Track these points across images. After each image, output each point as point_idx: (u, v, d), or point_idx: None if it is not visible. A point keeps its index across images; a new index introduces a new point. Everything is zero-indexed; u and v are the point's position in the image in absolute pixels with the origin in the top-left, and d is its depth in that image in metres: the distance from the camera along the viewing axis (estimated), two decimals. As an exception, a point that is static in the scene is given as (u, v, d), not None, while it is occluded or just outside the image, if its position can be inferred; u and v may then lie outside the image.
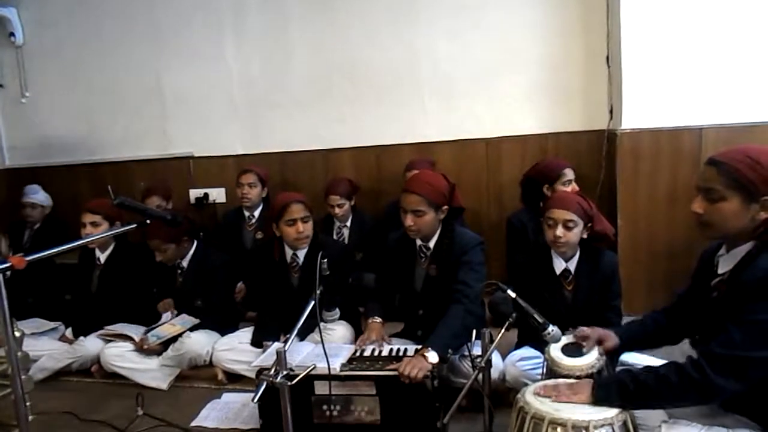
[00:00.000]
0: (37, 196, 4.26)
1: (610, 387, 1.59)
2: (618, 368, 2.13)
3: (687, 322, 1.81)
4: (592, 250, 2.46)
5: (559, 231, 2.34)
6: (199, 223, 3.46)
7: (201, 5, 4.34)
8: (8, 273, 1.55)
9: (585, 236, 2.40)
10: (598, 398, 1.59)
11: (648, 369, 1.60)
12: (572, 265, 2.46)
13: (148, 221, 2.10)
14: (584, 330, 1.92)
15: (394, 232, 2.80)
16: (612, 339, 1.88)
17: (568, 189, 3.27)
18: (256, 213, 4.03)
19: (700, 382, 1.46)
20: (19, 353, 1.77)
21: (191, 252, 3.21)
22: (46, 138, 4.77)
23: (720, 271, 1.61)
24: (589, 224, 2.40)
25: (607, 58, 3.67)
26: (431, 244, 2.57)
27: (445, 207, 2.50)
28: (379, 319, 2.60)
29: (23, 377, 1.74)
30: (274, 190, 3.97)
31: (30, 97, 4.77)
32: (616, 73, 3.52)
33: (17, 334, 1.81)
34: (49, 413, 2.65)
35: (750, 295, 1.46)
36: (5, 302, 1.65)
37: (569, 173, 3.33)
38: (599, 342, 1.88)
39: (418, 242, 2.59)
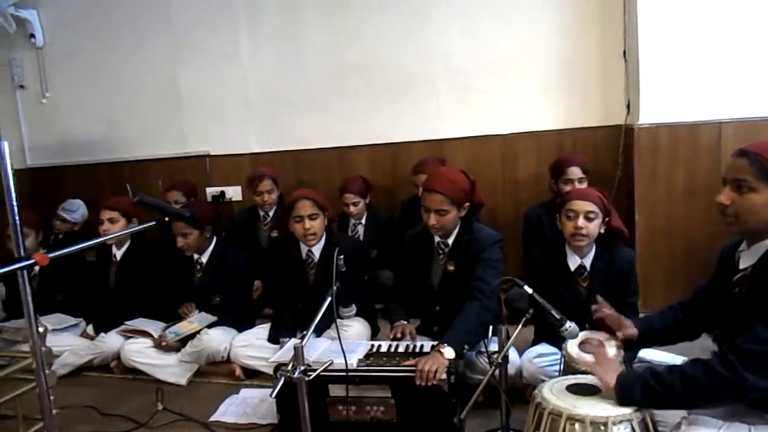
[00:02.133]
0: (73, 214, 4.18)
1: (634, 387, 1.55)
2: (636, 364, 2.12)
3: (706, 317, 1.78)
4: (607, 247, 2.44)
5: (581, 222, 2.33)
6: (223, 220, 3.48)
7: (216, 6, 4.37)
8: (34, 269, 1.57)
9: (602, 231, 2.39)
10: (621, 398, 1.56)
11: (672, 369, 1.54)
12: (587, 262, 2.45)
13: (166, 218, 2.13)
14: (604, 305, 1.89)
15: (411, 230, 2.81)
16: (630, 327, 1.85)
17: (567, 188, 3.25)
18: (271, 212, 4.05)
19: (731, 379, 1.42)
20: (43, 349, 1.80)
21: (211, 248, 3.24)
22: (65, 138, 4.84)
23: (741, 266, 1.59)
24: (607, 218, 2.39)
25: (624, 52, 3.63)
26: (450, 240, 2.56)
27: (467, 204, 2.50)
28: (404, 321, 2.60)
29: (47, 372, 1.78)
30: (289, 188, 3.99)
31: (50, 98, 4.85)
32: (634, 68, 3.48)
33: (41, 329, 1.84)
34: (72, 407, 2.70)
35: None
36: (30, 299, 1.68)
37: (573, 172, 3.30)
38: (618, 326, 1.85)
39: (437, 239, 2.59)
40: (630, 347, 1.92)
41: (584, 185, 3.22)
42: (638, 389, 1.54)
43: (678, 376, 1.50)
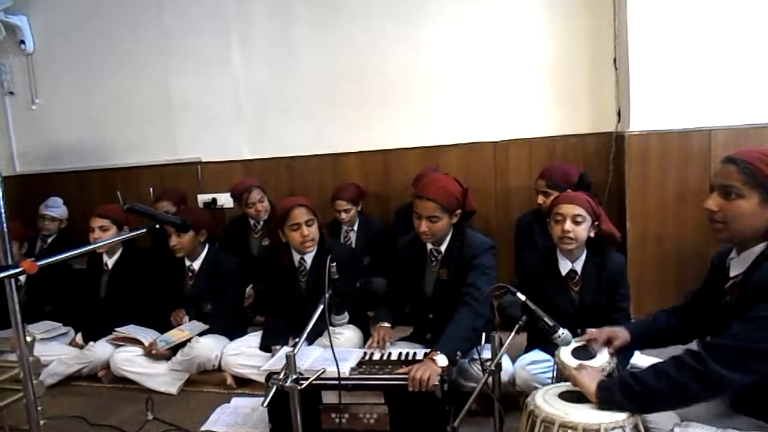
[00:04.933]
0: (58, 210, 4.27)
1: (613, 387, 1.57)
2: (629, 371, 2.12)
3: (698, 323, 1.79)
4: (598, 251, 2.45)
5: (568, 225, 2.35)
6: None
7: (208, 12, 4.37)
8: (21, 278, 1.55)
9: (592, 235, 2.40)
10: (602, 400, 1.57)
11: (648, 367, 1.57)
12: (578, 266, 2.45)
13: (157, 226, 2.11)
14: (592, 332, 1.91)
15: (402, 237, 2.80)
16: (621, 336, 1.86)
17: (538, 200, 3.30)
18: (261, 220, 4.04)
19: (702, 372, 1.43)
20: (31, 358, 1.77)
21: (203, 254, 3.22)
22: (55, 144, 4.82)
23: (732, 274, 1.60)
24: (596, 222, 2.40)
25: (615, 60, 3.66)
26: (442, 248, 2.56)
27: (459, 211, 2.50)
28: (387, 324, 2.61)
29: (34, 382, 1.75)
30: (282, 195, 3.98)
31: (40, 104, 4.83)
32: (624, 76, 3.51)
33: (28, 339, 1.81)
34: (60, 418, 2.66)
35: (758, 295, 1.45)
36: (17, 307, 1.66)
37: (538, 183, 3.33)
38: (609, 342, 1.86)
39: (429, 246, 2.59)
40: (622, 350, 1.92)
41: (550, 198, 3.16)
42: (617, 389, 1.56)
43: (652, 372, 1.53)
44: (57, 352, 3.17)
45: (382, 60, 4.12)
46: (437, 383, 2.13)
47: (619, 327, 1.90)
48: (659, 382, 1.50)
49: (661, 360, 1.58)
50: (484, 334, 2.07)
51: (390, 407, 2.19)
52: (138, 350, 3.04)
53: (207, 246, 3.24)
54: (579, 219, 2.36)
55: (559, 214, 2.38)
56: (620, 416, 1.55)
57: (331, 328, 2.01)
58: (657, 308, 2.01)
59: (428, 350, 2.31)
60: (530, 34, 3.86)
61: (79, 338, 3.26)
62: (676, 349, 1.84)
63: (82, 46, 4.65)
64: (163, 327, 3.16)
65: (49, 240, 4.24)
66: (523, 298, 1.88)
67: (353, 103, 4.21)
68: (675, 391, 1.49)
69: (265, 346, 2.89)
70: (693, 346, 1.66)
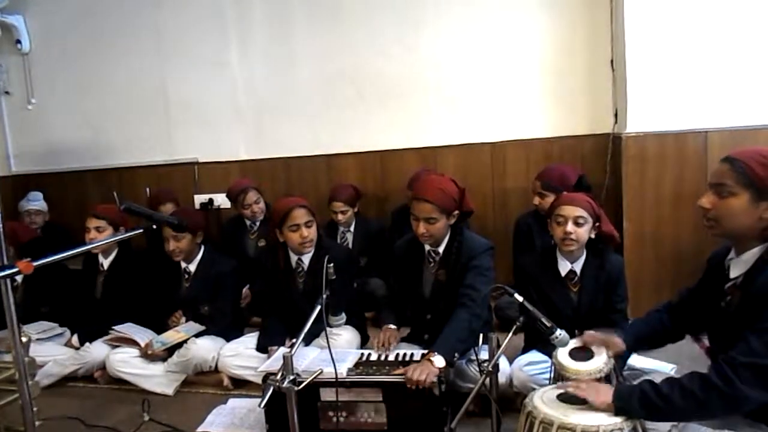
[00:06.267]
0: (41, 203, 4.34)
1: (631, 399, 1.55)
2: (626, 372, 2.12)
3: (692, 322, 1.80)
4: (597, 252, 2.46)
5: (570, 227, 2.35)
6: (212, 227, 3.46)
7: (206, 13, 4.37)
8: (17, 278, 1.55)
9: (593, 236, 2.41)
10: (619, 409, 1.56)
11: (670, 381, 1.55)
12: (577, 267, 2.46)
13: (154, 226, 2.10)
14: (590, 334, 1.90)
15: (399, 240, 2.80)
16: (617, 346, 1.86)
17: (534, 201, 3.30)
18: (258, 221, 4.03)
19: (728, 393, 1.42)
20: (26, 359, 1.77)
21: (199, 256, 3.21)
22: (52, 144, 4.80)
23: (732, 275, 1.60)
24: (597, 223, 2.40)
25: (612, 62, 3.67)
26: (440, 249, 2.56)
27: (456, 212, 2.50)
28: (392, 326, 2.61)
29: (30, 383, 1.75)
30: (278, 196, 3.96)
31: (36, 104, 4.81)
32: (621, 77, 3.52)
33: (24, 339, 1.80)
34: (56, 419, 2.64)
35: (765, 302, 1.44)
36: (13, 308, 1.66)
37: (534, 184, 3.33)
38: (606, 347, 1.86)
39: (427, 247, 2.58)
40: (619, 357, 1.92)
41: (545, 200, 3.18)
42: (635, 400, 1.54)
43: (676, 388, 1.50)
44: (53, 352, 3.15)
45: (380, 61, 4.12)
46: (434, 380, 2.12)
47: (615, 334, 1.90)
48: (684, 401, 1.48)
49: (660, 362, 1.57)
50: (481, 335, 2.07)
51: (387, 408, 2.18)
52: (134, 351, 3.03)
53: (202, 247, 3.23)
54: (581, 221, 2.37)
55: (561, 215, 2.39)
56: (618, 419, 1.54)
57: (328, 329, 2.00)
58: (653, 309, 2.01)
59: (426, 351, 2.31)
60: (528, 35, 3.86)
61: (74, 340, 3.24)
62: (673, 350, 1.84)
63: (78, 46, 4.64)
64: (160, 328, 3.15)
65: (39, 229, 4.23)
66: (520, 299, 1.88)
67: (351, 103, 4.21)
68: (698, 409, 1.48)
69: (262, 347, 2.88)
70: (690, 347, 1.65)
